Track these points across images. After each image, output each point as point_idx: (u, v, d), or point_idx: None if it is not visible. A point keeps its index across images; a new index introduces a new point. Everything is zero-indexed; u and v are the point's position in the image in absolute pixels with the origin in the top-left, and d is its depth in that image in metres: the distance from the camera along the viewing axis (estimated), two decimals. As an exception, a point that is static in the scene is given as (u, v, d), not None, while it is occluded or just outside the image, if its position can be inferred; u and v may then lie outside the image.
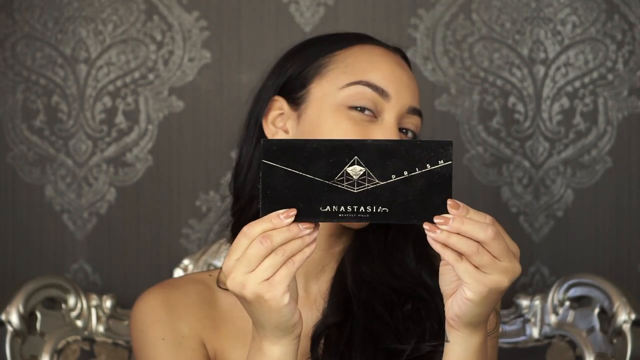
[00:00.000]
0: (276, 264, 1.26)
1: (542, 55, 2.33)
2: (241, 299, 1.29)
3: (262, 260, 1.26)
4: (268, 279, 1.27)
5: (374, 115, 1.53)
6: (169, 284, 1.60)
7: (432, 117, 2.31)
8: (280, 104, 1.58)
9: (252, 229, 1.26)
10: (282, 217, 1.26)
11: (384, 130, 1.51)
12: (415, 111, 1.56)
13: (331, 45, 1.59)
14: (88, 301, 2.11)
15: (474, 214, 1.25)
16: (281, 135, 1.58)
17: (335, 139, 1.29)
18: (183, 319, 1.54)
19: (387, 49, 1.60)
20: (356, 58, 1.56)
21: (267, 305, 1.28)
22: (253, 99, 1.63)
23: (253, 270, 1.27)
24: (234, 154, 2.31)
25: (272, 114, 1.59)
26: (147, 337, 1.53)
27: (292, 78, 1.58)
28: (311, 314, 1.55)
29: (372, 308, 1.52)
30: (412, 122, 1.56)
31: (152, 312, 1.55)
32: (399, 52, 1.63)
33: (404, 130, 1.56)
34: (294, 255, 1.27)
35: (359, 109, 1.52)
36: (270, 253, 1.26)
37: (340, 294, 1.54)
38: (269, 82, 1.61)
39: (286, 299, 1.27)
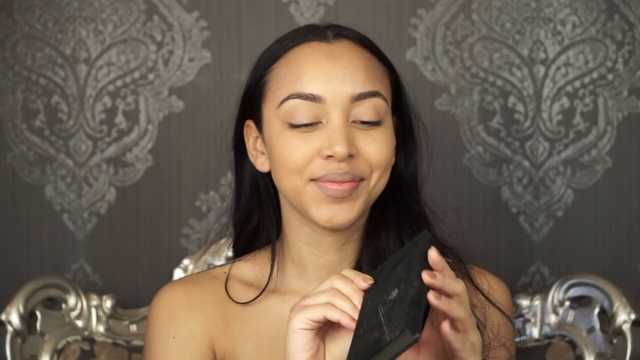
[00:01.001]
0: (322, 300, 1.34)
1: (542, 55, 2.33)
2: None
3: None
4: (308, 306, 1.33)
5: (318, 122, 1.48)
6: (188, 281, 1.60)
7: (432, 117, 2.31)
8: (253, 129, 1.57)
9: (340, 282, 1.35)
10: (363, 281, 1.34)
11: (330, 134, 1.47)
12: (361, 97, 1.49)
13: (269, 57, 1.55)
14: (88, 301, 2.11)
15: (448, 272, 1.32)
16: (261, 159, 1.56)
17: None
18: (196, 319, 1.54)
19: (320, 42, 1.53)
20: (287, 67, 1.52)
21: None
22: (235, 120, 1.61)
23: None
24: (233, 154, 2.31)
25: (250, 140, 1.58)
26: (158, 333, 1.54)
27: (248, 100, 1.57)
28: None
29: None
30: (365, 108, 1.49)
31: (167, 308, 1.55)
32: (342, 36, 1.54)
33: (359, 122, 1.49)
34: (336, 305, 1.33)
35: (300, 126, 1.48)
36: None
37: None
38: (240, 105, 1.60)
39: (297, 326, 1.33)
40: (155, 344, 1.54)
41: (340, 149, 1.46)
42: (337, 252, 1.55)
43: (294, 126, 1.49)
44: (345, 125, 1.48)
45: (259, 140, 1.56)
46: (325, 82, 1.49)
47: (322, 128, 1.48)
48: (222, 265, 1.64)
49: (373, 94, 1.50)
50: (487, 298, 1.54)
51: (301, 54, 1.52)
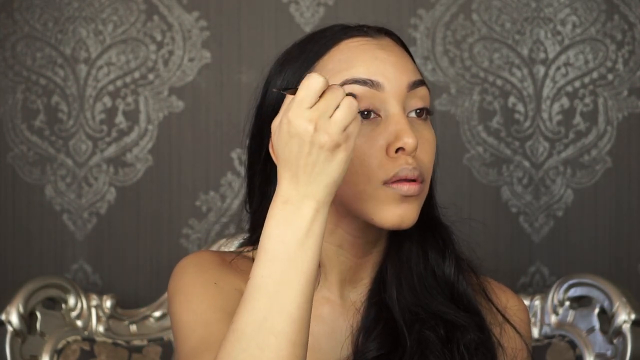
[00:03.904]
0: (352, 113, 1.25)
1: (542, 55, 2.33)
2: (312, 147, 1.26)
3: (334, 111, 1.26)
4: (344, 129, 1.25)
5: (376, 113, 1.41)
6: (219, 252, 1.53)
7: (432, 117, 2.30)
8: None
9: (318, 79, 1.25)
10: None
11: (394, 126, 1.40)
12: (415, 84, 1.43)
13: (309, 57, 1.46)
14: (88, 301, 2.11)
15: None
16: None
17: None
18: (237, 278, 1.45)
19: (365, 36, 1.46)
20: (334, 60, 1.44)
21: (339, 157, 1.26)
22: (253, 132, 1.50)
23: (331, 117, 1.25)
24: (234, 154, 2.31)
25: None
26: (198, 279, 1.44)
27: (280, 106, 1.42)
28: (345, 321, 1.50)
29: (427, 341, 1.44)
30: (418, 97, 1.43)
31: (205, 261, 1.47)
32: (382, 32, 1.49)
33: (417, 111, 1.44)
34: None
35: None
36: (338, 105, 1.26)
37: (384, 325, 1.46)
38: (264, 116, 1.48)
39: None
40: (194, 288, 1.42)
41: (410, 140, 1.39)
42: (365, 255, 1.50)
43: None
44: (406, 117, 1.43)
45: None
46: (382, 69, 1.42)
47: (380, 123, 1.41)
48: (247, 251, 1.54)
49: (422, 82, 1.45)
50: (504, 317, 1.49)
51: (349, 45, 1.44)
